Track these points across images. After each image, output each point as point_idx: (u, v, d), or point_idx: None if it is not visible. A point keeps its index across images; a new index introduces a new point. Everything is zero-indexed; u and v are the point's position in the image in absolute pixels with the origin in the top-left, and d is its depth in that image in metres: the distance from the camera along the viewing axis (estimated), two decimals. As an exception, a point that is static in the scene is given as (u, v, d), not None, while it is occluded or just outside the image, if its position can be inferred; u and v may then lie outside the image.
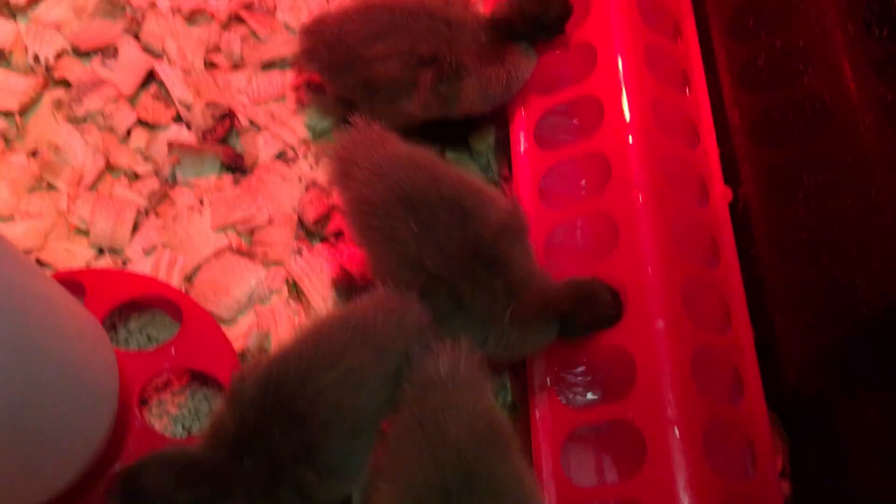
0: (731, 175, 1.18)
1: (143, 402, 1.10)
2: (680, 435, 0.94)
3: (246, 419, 0.87)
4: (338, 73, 1.22)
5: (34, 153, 1.26)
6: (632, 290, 1.02)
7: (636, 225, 1.05)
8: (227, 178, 1.27)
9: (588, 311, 0.97)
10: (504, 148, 1.30)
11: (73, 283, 1.08)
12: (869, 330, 0.90)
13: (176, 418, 1.11)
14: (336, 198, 1.18)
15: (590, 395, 1.09)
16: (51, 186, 1.25)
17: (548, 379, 1.06)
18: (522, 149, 1.22)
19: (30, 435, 0.77)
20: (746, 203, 1.17)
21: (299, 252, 1.23)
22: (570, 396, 1.08)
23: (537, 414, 1.05)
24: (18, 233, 1.19)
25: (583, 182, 1.19)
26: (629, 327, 1.00)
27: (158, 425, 1.09)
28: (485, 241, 0.97)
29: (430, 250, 0.97)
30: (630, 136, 1.10)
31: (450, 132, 1.31)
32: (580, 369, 1.09)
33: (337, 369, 0.88)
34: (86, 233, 1.21)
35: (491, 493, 0.82)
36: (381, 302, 0.95)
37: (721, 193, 1.16)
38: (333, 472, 0.88)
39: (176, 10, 1.38)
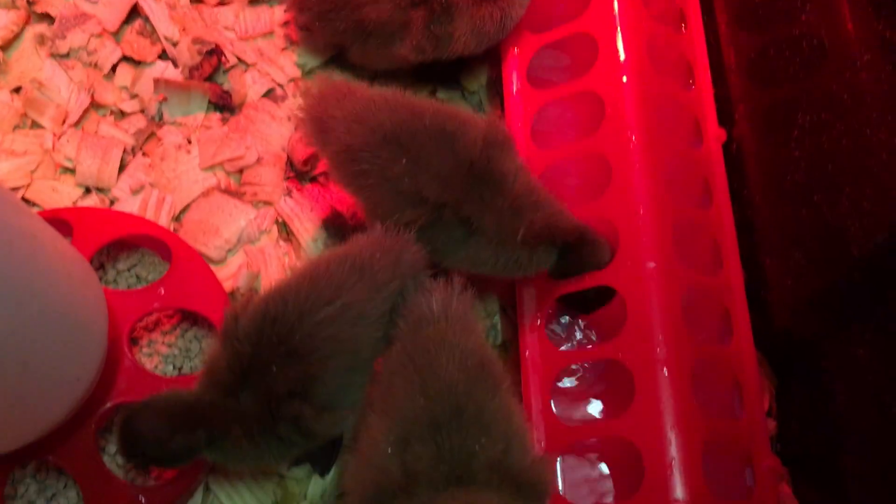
0: (725, 115, 1.17)
1: (134, 341, 1.10)
2: (668, 374, 0.94)
3: (241, 355, 0.87)
4: (328, 19, 1.19)
5: (17, 90, 1.24)
6: (623, 231, 1.01)
7: (629, 166, 1.04)
8: (215, 116, 1.25)
9: (589, 252, 0.99)
10: (496, 88, 1.28)
11: (60, 221, 1.07)
12: (860, 270, 0.91)
13: (166, 358, 1.11)
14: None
15: (579, 336, 1.09)
16: (35, 124, 1.22)
17: (538, 319, 1.07)
18: (515, 89, 1.20)
19: (18, 371, 0.77)
20: (740, 144, 1.16)
21: (289, 192, 1.22)
22: (560, 336, 1.09)
23: (527, 353, 1.05)
24: (3, 171, 1.18)
25: (576, 122, 1.18)
26: (620, 268, 1.00)
27: (149, 365, 1.09)
28: (477, 158, 0.97)
29: (427, 180, 0.96)
30: (624, 76, 1.08)
31: (441, 72, 1.29)
32: (570, 309, 1.09)
33: (335, 305, 0.88)
34: (72, 171, 1.20)
35: (480, 427, 0.83)
36: (378, 240, 0.95)
37: (715, 135, 1.15)
38: (330, 406, 0.89)
39: (160, -57, 1.34)
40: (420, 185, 0.96)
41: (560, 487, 1.00)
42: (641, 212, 1.01)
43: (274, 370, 0.85)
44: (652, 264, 0.99)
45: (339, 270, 0.91)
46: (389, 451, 0.83)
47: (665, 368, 0.95)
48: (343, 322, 0.89)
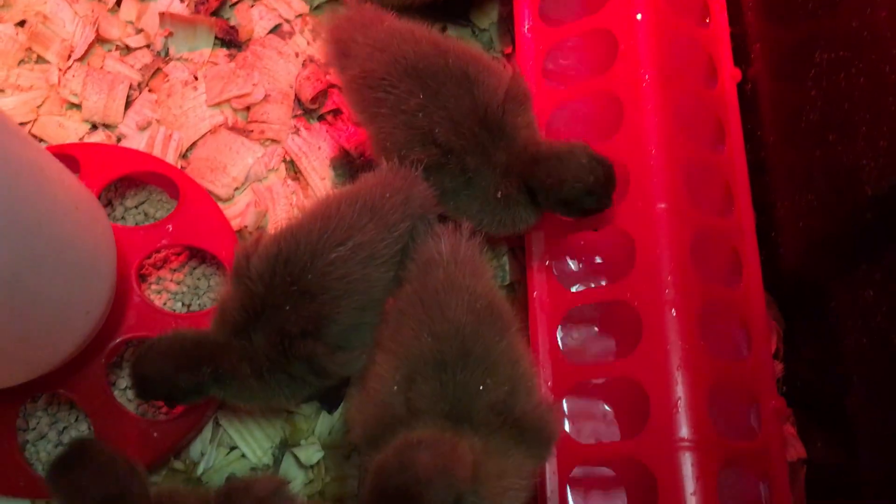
0: (741, 54, 1.15)
1: (143, 278, 1.10)
2: (676, 315, 0.94)
3: (254, 294, 0.87)
4: None
5: (22, 23, 1.22)
6: (634, 171, 1.00)
7: (641, 105, 1.02)
8: (222, 52, 1.24)
9: (564, 168, 0.94)
10: (507, 25, 1.26)
11: (67, 157, 1.06)
12: (872, 210, 0.89)
13: (175, 295, 1.11)
14: (335, 78, 1.15)
15: (588, 276, 1.09)
16: (41, 59, 1.21)
17: (546, 260, 1.06)
18: (526, 26, 1.18)
19: (28, 302, 0.77)
20: (755, 83, 1.14)
21: (297, 130, 1.20)
22: (568, 277, 1.08)
23: (535, 294, 1.05)
24: (9, 106, 1.17)
25: (588, 61, 1.16)
26: (630, 209, 1.00)
27: (158, 302, 1.09)
28: (492, 109, 0.96)
29: (440, 120, 0.95)
30: (638, 13, 1.06)
31: (451, 9, 1.26)
32: (579, 250, 1.09)
33: (346, 245, 0.88)
34: (78, 107, 1.19)
35: (485, 369, 0.83)
36: (387, 179, 0.94)
37: (730, 74, 1.13)
38: (343, 345, 0.89)
39: None
40: (433, 124, 0.95)
41: (566, 427, 1.01)
42: (653, 152, 1.00)
43: (287, 309, 0.86)
44: (662, 205, 0.98)
45: (350, 211, 0.90)
46: (395, 388, 0.83)
47: (673, 309, 0.95)
48: (355, 262, 0.89)
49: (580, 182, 0.94)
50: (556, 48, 1.14)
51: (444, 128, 0.95)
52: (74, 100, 1.18)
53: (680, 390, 0.92)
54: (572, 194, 0.95)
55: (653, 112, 1.02)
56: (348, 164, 1.18)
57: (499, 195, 0.97)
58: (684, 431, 0.91)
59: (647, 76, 1.03)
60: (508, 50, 1.26)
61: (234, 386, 0.89)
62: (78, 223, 0.84)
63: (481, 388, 0.82)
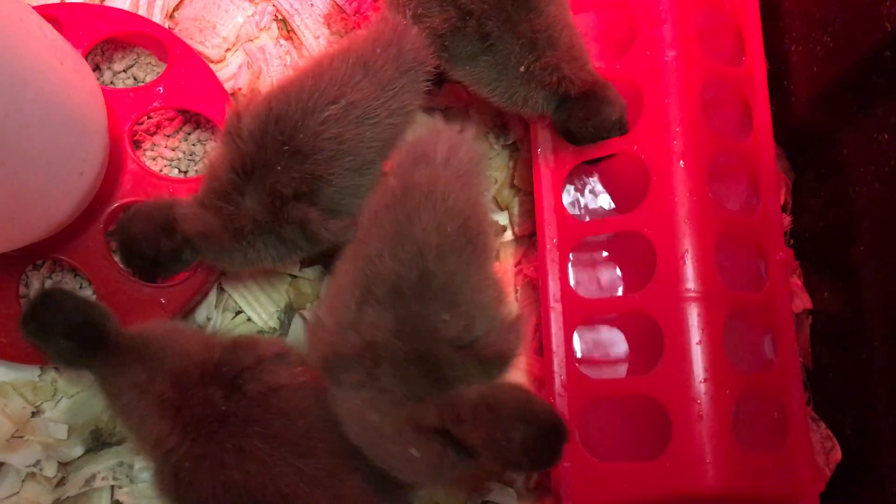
0: None
1: (137, 145, 1.07)
2: (685, 167, 0.92)
3: (244, 153, 0.84)
4: None
5: None
6: (641, 20, 0.96)
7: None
8: None
9: (594, 109, 0.93)
10: None
11: (50, 17, 1.00)
12: (891, 47, 0.86)
13: (171, 161, 1.09)
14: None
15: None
16: (13, -85, 1.14)
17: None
18: None
19: (18, 163, 0.75)
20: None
21: (288, -14, 1.15)
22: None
23: (539, 150, 1.03)
24: (-16, -34, 1.11)
25: None
26: (638, 57, 0.96)
27: (154, 168, 1.07)
28: None
29: None
30: None
31: None
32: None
33: (339, 104, 0.85)
34: (58, -35, 1.13)
35: (444, 298, 0.78)
36: (379, 33, 0.90)
37: None
38: (336, 209, 0.87)
39: None
40: None
41: (571, 282, 1.00)
42: (662, -3, 0.96)
43: (278, 170, 0.83)
44: (672, 53, 0.95)
45: (342, 67, 0.87)
46: (353, 307, 0.79)
47: (681, 161, 0.93)
48: (348, 122, 0.85)
49: (605, 133, 0.94)
50: None
51: None
52: (54, -41, 1.12)
53: (687, 242, 0.91)
54: (592, 138, 0.95)
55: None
56: (342, 21, 1.13)
57: (521, 69, 0.93)
58: (691, 283, 0.91)
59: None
60: None
61: (211, 251, 0.88)
62: (65, 80, 0.81)
63: (439, 324, 0.77)
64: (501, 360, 0.80)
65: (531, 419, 0.72)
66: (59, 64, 0.80)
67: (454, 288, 0.78)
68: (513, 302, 1.08)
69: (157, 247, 0.86)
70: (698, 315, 0.90)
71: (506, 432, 0.71)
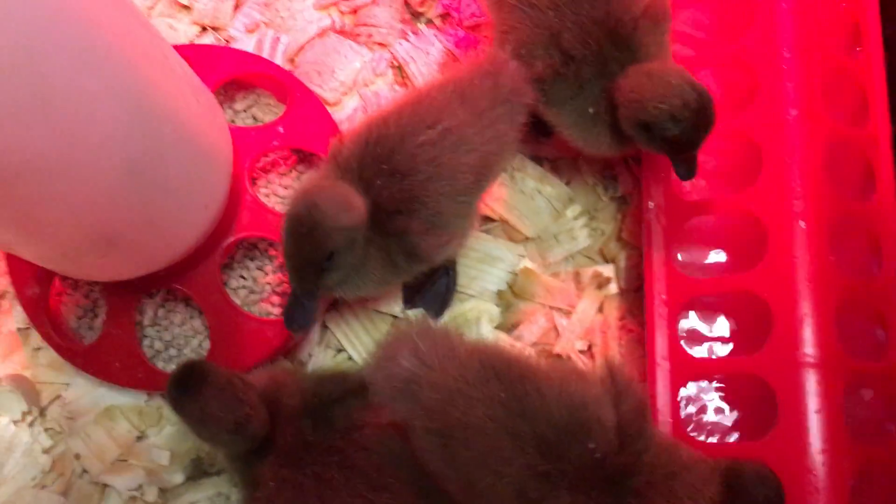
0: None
1: (253, 181, 1.10)
2: (806, 228, 0.90)
3: (346, 170, 0.87)
4: None
5: (132, -76, 1.21)
6: (764, 75, 0.95)
7: (774, 5, 0.96)
8: (328, -45, 1.21)
9: (641, 91, 0.87)
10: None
11: (183, 56, 1.05)
12: None
13: (283, 199, 1.11)
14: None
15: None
16: (152, -39, 1.21)
17: (662, 171, 1.02)
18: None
19: (155, 194, 0.78)
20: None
21: (405, 35, 1.18)
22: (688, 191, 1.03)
23: (650, 204, 1.01)
24: (122, 7, 1.17)
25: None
26: (758, 115, 0.95)
27: (268, 205, 1.09)
28: (624, 23, 0.90)
29: (569, 24, 0.90)
30: None
31: None
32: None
33: (435, 129, 0.87)
34: (188, 9, 1.18)
35: None
36: (478, 65, 0.92)
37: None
38: (436, 226, 0.88)
39: None
40: (562, 25, 0.90)
41: (682, 342, 0.98)
42: (786, 55, 0.94)
43: (378, 184, 0.85)
44: (794, 111, 0.93)
45: (439, 97, 0.89)
46: None
47: (802, 221, 0.90)
48: (443, 146, 0.87)
49: (664, 104, 0.84)
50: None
51: (571, 32, 0.90)
52: (185, 2, 1.18)
53: (806, 306, 0.88)
54: (653, 116, 0.85)
55: (787, 13, 0.96)
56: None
57: (590, 110, 0.93)
58: (809, 348, 0.88)
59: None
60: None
61: (345, 266, 0.85)
62: (199, 115, 0.84)
63: None
64: None
65: None
66: (195, 101, 0.83)
67: None
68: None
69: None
70: (817, 382, 0.87)
71: None
